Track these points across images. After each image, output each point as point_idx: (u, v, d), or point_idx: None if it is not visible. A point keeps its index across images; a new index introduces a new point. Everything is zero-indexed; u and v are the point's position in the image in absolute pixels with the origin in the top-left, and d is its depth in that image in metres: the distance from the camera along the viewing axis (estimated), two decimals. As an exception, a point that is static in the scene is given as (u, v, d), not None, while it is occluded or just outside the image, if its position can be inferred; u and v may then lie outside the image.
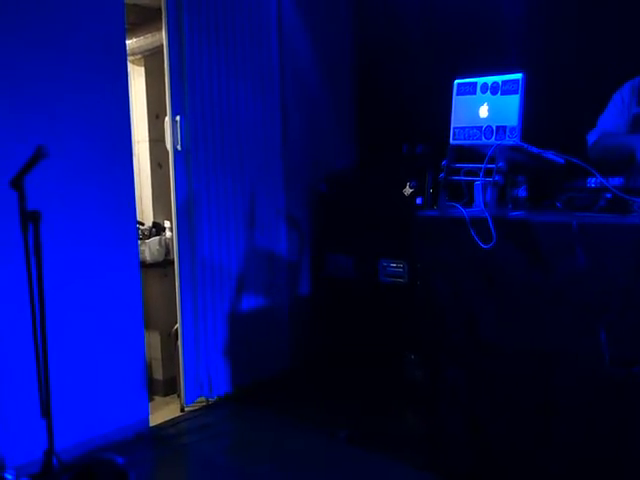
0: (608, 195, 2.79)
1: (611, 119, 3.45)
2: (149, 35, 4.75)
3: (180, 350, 4.30)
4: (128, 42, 4.23)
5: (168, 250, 4.67)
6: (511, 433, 3.03)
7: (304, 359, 4.99)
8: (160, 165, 4.98)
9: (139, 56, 4.91)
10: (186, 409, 4.34)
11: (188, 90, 4.16)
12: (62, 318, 3.45)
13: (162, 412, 4.27)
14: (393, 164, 4.69)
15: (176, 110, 4.13)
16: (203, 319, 4.37)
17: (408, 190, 4.34)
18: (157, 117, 4.93)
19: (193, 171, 4.23)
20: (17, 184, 2.68)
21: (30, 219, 2.69)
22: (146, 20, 4.72)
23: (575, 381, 2.80)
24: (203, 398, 4.43)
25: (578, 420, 2.82)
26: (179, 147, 4.15)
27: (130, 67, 4.62)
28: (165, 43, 4.08)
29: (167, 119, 4.16)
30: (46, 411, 2.79)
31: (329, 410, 4.24)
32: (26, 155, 2.66)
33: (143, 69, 4.98)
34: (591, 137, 3.47)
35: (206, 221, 4.35)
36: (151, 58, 4.92)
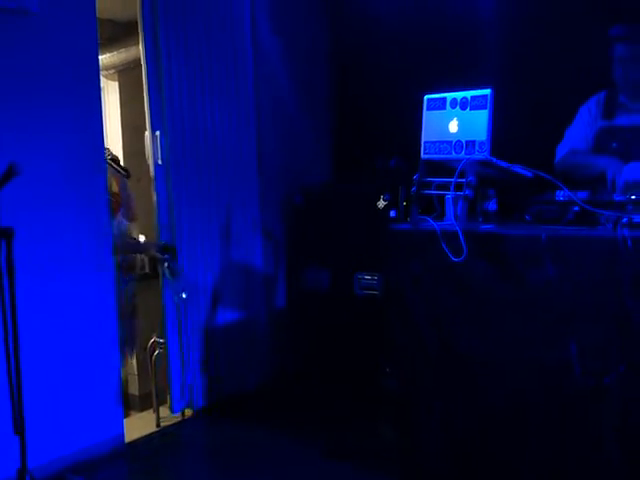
0: (576, 208, 2.82)
1: (579, 132, 3.52)
2: (123, 50, 4.78)
3: (167, 363, 4.34)
4: (102, 57, 4.24)
5: (143, 264, 4.66)
6: (486, 444, 3.05)
7: (281, 372, 5.00)
8: (138, 179, 4.97)
9: (112, 71, 4.92)
10: (162, 424, 4.33)
11: (166, 105, 4.20)
12: (35, 335, 3.43)
13: (138, 428, 4.26)
14: (367, 177, 4.72)
15: (156, 125, 4.18)
16: (184, 332, 4.40)
17: (382, 203, 4.37)
18: (133, 131, 4.93)
19: (173, 185, 4.27)
20: (-11, 201, 2.68)
21: (2, 236, 2.68)
22: (120, 35, 4.74)
23: (546, 392, 2.83)
24: (178, 414, 4.42)
25: (550, 431, 2.84)
26: (160, 161, 4.20)
27: (104, 82, 4.63)
28: (143, 59, 4.12)
29: (147, 134, 4.21)
30: (19, 428, 2.78)
31: (306, 423, 4.24)
32: (-2, 172, 2.65)
33: (117, 84, 4.99)
34: (560, 150, 3.53)
35: (185, 234, 4.38)
36: (125, 73, 4.93)
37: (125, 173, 4.26)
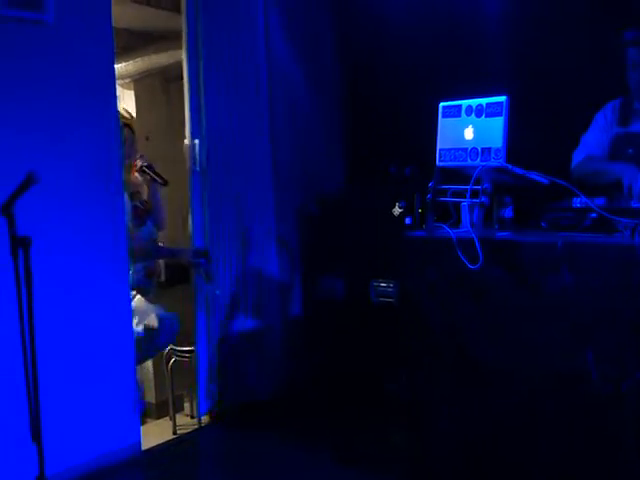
0: (593, 215, 2.81)
1: (595, 138, 3.50)
2: (139, 59, 4.80)
3: (195, 369, 4.41)
4: (118, 66, 4.27)
5: (160, 272, 4.68)
6: (498, 450, 3.03)
7: (296, 380, 4.99)
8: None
9: (128, 80, 4.95)
10: (178, 432, 4.34)
11: (205, 114, 4.34)
12: (53, 343, 3.45)
13: (155, 435, 4.27)
14: (382, 185, 4.73)
15: (195, 133, 4.32)
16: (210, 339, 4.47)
17: (397, 210, 4.37)
18: (147, 139, 4.96)
19: (208, 192, 4.40)
20: (7, 210, 2.70)
21: (20, 245, 2.70)
22: (135, 44, 4.77)
23: (562, 399, 2.82)
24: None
25: (565, 439, 2.83)
26: (197, 168, 4.33)
27: (119, 90, 4.65)
28: (185, 69, 4.25)
29: (186, 141, 4.33)
30: (37, 436, 2.79)
31: (321, 431, 4.24)
32: (16, 181, 2.67)
33: (132, 92, 5.02)
34: (576, 156, 3.52)
35: (215, 239, 4.48)
36: (140, 82, 4.96)
37: (162, 181, 4.25)
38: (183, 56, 4.24)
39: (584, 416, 2.77)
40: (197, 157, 4.34)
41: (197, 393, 4.44)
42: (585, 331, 2.73)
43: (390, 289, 4.54)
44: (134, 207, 4.23)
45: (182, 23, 4.20)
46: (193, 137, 4.33)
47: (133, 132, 4.31)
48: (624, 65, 3.38)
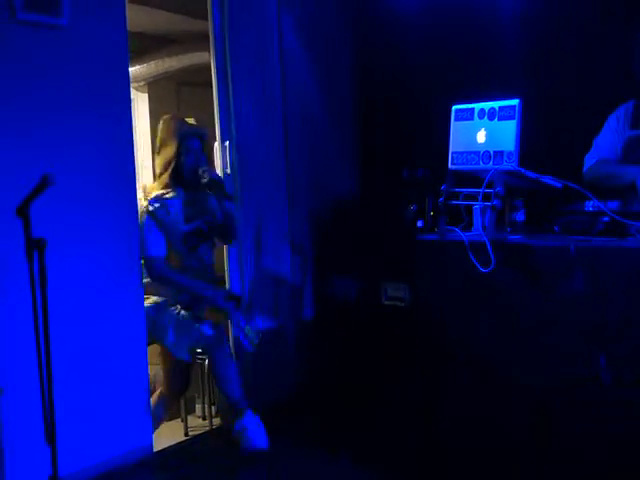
0: (605, 219, 2.81)
1: (607, 141, 3.49)
2: (152, 63, 4.83)
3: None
4: (132, 69, 4.29)
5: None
6: (510, 454, 3.03)
7: (308, 382, 5.00)
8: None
9: (142, 82, 4.98)
10: (190, 433, 4.35)
11: (234, 116, 4.37)
12: (66, 344, 3.47)
13: (166, 436, 4.28)
14: (394, 188, 4.72)
15: (225, 136, 4.36)
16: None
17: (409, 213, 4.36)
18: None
19: (239, 194, 4.45)
20: (22, 212, 2.72)
21: (35, 246, 2.72)
22: (150, 47, 4.80)
23: (575, 403, 2.82)
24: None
25: (579, 442, 2.82)
26: (228, 170, 4.37)
27: (133, 93, 4.68)
28: (213, 72, 4.29)
29: (216, 144, 4.36)
30: (50, 437, 2.81)
31: (333, 433, 4.23)
32: (31, 183, 2.69)
33: (146, 95, 5.04)
34: (588, 159, 3.51)
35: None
36: (154, 84, 4.99)
37: (227, 196, 4.10)
38: (211, 60, 4.26)
39: (597, 420, 2.76)
40: (228, 159, 4.35)
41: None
42: (598, 335, 2.73)
43: (401, 292, 4.54)
44: (196, 228, 4.07)
45: (209, 28, 4.22)
46: (223, 140, 4.33)
47: (203, 141, 4.13)
48: (637, 67, 3.36)
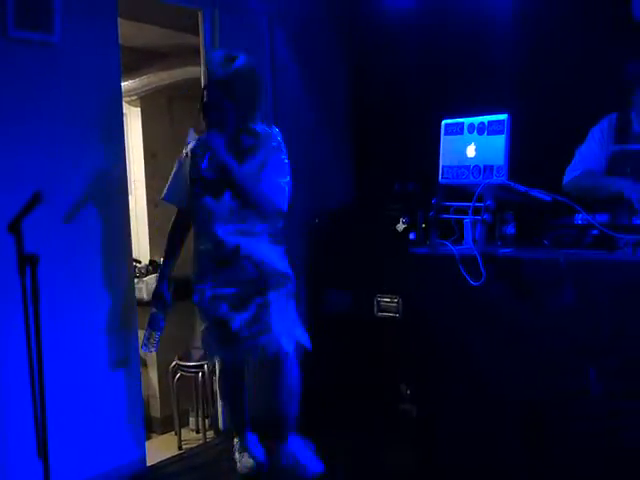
0: (594, 232, 2.84)
1: (592, 152, 3.48)
2: (144, 77, 4.85)
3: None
4: (124, 83, 4.30)
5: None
6: (503, 467, 3.04)
7: (302, 394, 4.99)
8: (156, 204, 5.03)
9: (134, 97, 4.99)
10: (184, 447, 4.35)
11: None
12: (58, 358, 3.47)
13: (160, 450, 4.28)
14: (386, 200, 4.74)
15: None
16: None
17: (401, 226, 4.38)
18: (153, 156, 5.00)
19: None
20: (14, 228, 2.73)
21: (27, 262, 2.73)
22: (142, 62, 4.82)
23: (565, 415, 2.83)
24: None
25: (570, 454, 2.84)
26: None
27: (126, 107, 4.69)
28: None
29: None
30: (43, 452, 2.81)
31: (327, 444, 4.23)
32: (23, 199, 2.71)
33: (139, 109, 5.06)
34: (571, 171, 3.51)
35: None
36: (147, 98, 5.00)
37: None
38: (201, 74, 4.24)
39: (588, 433, 2.78)
40: None
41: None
42: (588, 347, 2.75)
43: (394, 304, 4.55)
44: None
45: (200, 42, 4.21)
46: None
47: None
48: (621, 82, 3.38)
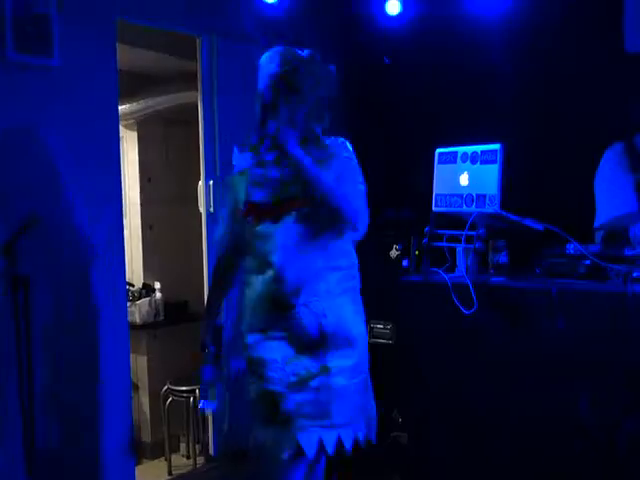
0: (586, 262, 2.85)
1: (619, 187, 3.32)
2: (142, 101, 4.87)
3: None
4: (121, 107, 4.32)
5: (158, 311, 4.70)
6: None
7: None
8: (151, 227, 5.04)
9: (131, 121, 5.01)
10: (174, 472, 4.32)
11: (219, 155, 4.32)
12: (49, 380, 3.45)
13: (150, 476, 4.25)
14: (380, 228, 4.75)
15: (209, 174, 4.29)
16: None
17: (394, 253, 4.40)
18: (149, 180, 5.01)
19: None
20: (8, 250, 2.74)
21: (20, 284, 2.74)
22: (139, 86, 4.85)
23: (557, 444, 2.83)
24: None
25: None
26: (211, 209, 4.29)
27: (122, 131, 4.71)
28: (200, 110, 4.26)
29: (200, 183, 4.31)
30: (31, 475, 2.79)
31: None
32: (17, 221, 2.72)
33: (135, 134, 5.07)
34: (608, 211, 3.36)
35: None
36: (143, 123, 5.02)
37: None
38: (199, 100, 4.27)
39: (579, 461, 2.78)
40: (212, 198, 4.29)
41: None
42: (579, 377, 2.76)
43: (387, 331, 4.55)
44: None
45: (197, 68, 4.22)
46: (207, 179, 4.30)
47: None
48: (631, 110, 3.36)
